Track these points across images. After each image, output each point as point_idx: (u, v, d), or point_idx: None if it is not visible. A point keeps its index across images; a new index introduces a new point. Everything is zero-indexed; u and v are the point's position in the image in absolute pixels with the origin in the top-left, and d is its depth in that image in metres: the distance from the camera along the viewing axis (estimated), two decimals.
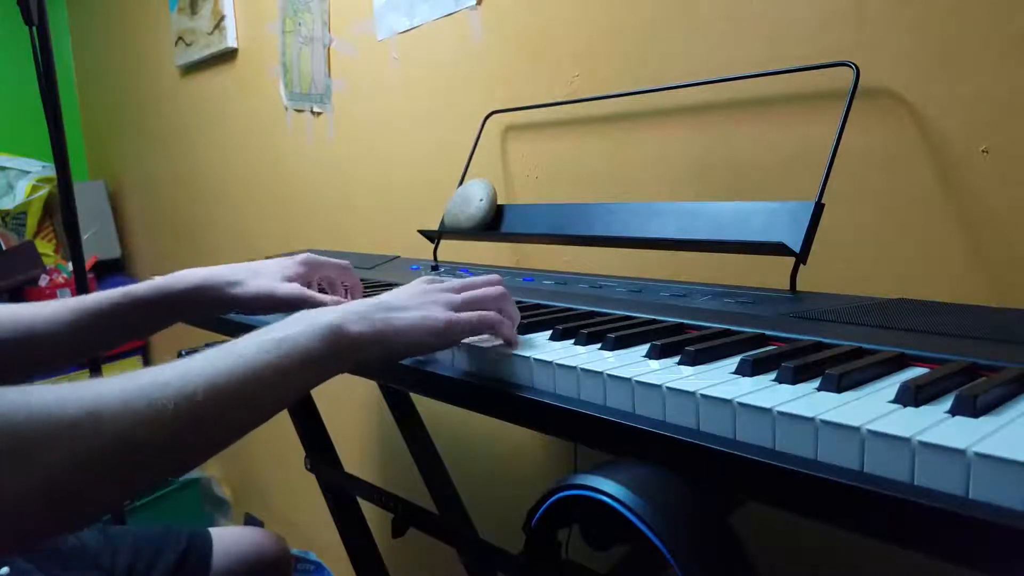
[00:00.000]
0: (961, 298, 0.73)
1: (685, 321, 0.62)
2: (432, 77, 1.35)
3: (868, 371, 0.45)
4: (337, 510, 1.13)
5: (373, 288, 0.88)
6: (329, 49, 1.56)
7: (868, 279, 0.82)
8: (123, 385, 0.41)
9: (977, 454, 0.32)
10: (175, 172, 2.28)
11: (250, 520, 2.14)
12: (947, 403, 0.39)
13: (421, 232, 1.13)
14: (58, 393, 0.39)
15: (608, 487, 0.44)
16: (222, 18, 1.86)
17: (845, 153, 0.75)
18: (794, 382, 0.44)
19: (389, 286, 0.90)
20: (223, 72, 1.95)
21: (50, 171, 2.37)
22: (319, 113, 1.64)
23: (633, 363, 0.50)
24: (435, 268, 1.06)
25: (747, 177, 0.92)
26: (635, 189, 1.04)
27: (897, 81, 0.78)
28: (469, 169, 1.13)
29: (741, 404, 0.41)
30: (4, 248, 2.21)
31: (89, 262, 2.23)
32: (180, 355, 0.87)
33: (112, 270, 2.58)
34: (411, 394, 1.23)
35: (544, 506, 0.49)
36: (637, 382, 0.46)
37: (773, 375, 0.45)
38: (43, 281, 2.21)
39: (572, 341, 0.58)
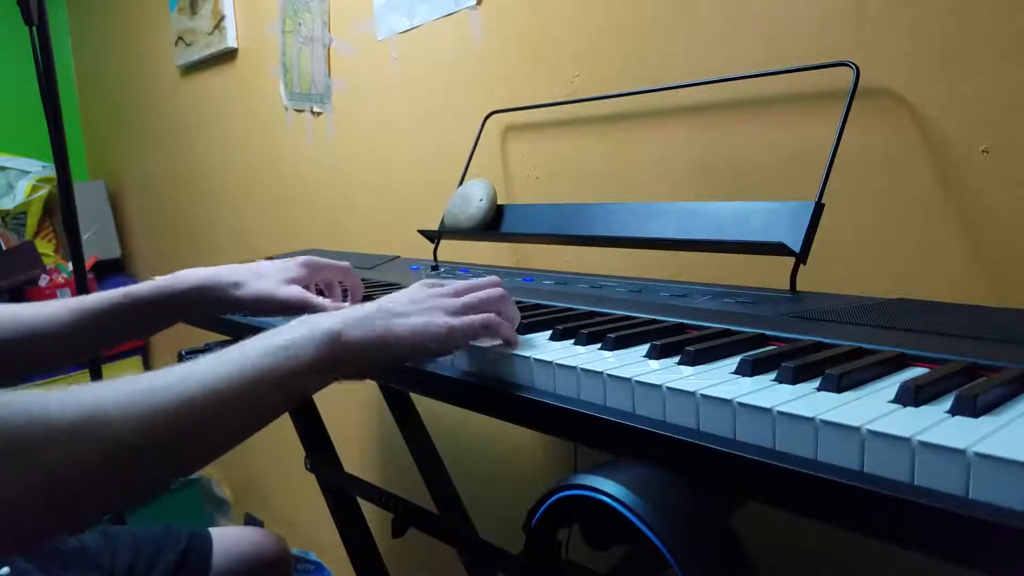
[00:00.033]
0: (961, 298, 0.73)
1: (685, 321, 0.62)
2: (432, 77, 1.35)
3: (868, 371, 0.45)
4: (337, 510, 1.13)
5: (374, 288, 0.88)
6: (329, 49, 1.56)
7: (868, 279, 0.82)
8: (123, 389, 0.41)
9: (977, 454, 0.32)
10: (175, 172, 2.28)
11: (250, 520, 2.14)
12: (947, 403, 0.39)
13: (421, 232, 1.13)
14: (59, 397, 0.39)
15: (608, 487, 0.44)
16: (222, 18, 1.86)
17: (845, 153, 0.75)
18: (794, 382, 0.44)
19: (389, 286, 0.90)
20: (223, 72, 1.95)
21: (50, 171, 2.37)
22: (319, 113, 1.64)
23: (633, 363, 0.50)
24: (435, 268, 1.06)
25: (747, 177, 0.92)
26: (635, 189, 1.04)
27: (897, 81, 0.78)
28: (469, 169, 1.13)
29: (741, 404, 0.41)
30: (4, 248, 2.21)
31: (89, 262, 2.23)
32: (180, 355, 0.88)
33: (112, 270, 2.58)
34: (411, 394, 1.23)
35: (544, 506, 0.49)
36: (637, 382, 0.46)
37: (773, 375, 0.45)
38: (43, 281, 2.21)
39: (572, 341, 0.58)
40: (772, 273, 0.78)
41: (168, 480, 0.43)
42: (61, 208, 1.47)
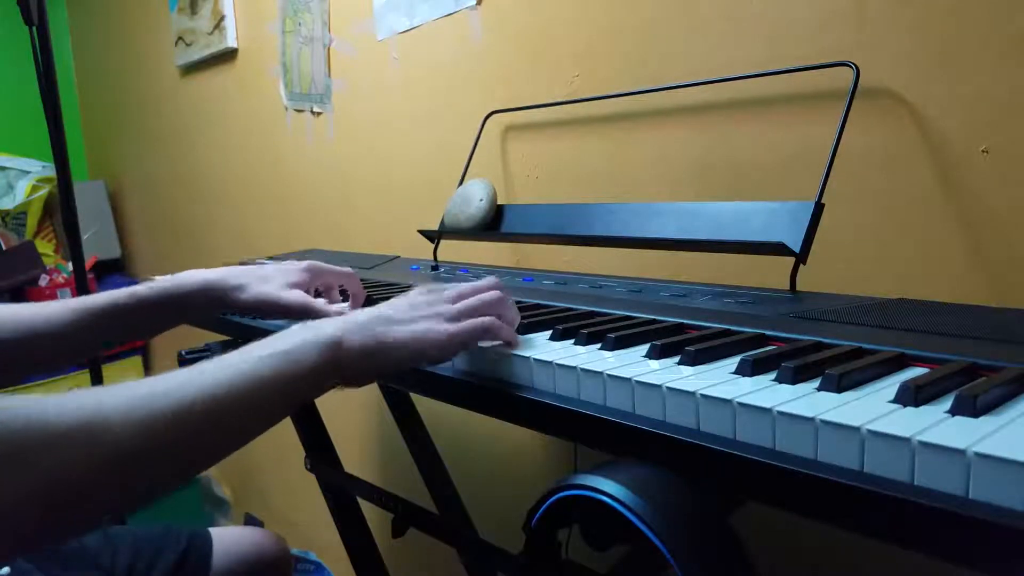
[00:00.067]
0: (961, 298, 0.73)
1: (685, 321, 0.62)
2: (432, 77, 1.35)
3: (868, 371, 0.45)
4: (337, 510, 1.13)
5: (374, 288, 0.88)
6: (329, 49, 1.56)
7: (868, 279, 0.82)
8: (123, 394, 0.41)
9: (977, 454, 0.32)
10: (175, 172, 2.28)
11: (250, 520, 2.14)
12: (947, 403, 0.39)
13: (421, 232, 1.13)
14: (58, 401, 0.39)
15: (608, 487, 0.44)
16: (222, 18, 1.86)
17: (845, 153, 0.75)
18: (794, 382, 0.44)
19: (390, 286, 0.90)
20: (223, 72, 1.95)
21: (50, 171, 2.37)
22: (319, 113, 1.64)
23: (633, 363, 0.50)
24: (435, 268, 1.06)
25: (747, 177, 0.92)
26: (635, 189, 1.04)
27: (897, 81, 0.78)
28: (469, 169, 1.13)
29: (741, 404, 0.41)
30: (4, 248, 2.21)
31: (89, 262, 2.23)
32: (180, 356, 0.88)
33: (112, 270, 2.58)
34: (411, 394, 1.23)
35: (544, 506, 0.49)
36: (637, 382, 0.46)
37: (773, 375, 0.45)
38: (43, 281, 2.21)
39: (572, 341, 0.58)
40: (772, 273, 0.78)
41: (169, 485, 0.43)
42: (61, 208, 1.47)
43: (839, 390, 0.42)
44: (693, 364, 0.49)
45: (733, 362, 0.48)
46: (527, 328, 0.62)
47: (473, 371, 0.58)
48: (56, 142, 1.40)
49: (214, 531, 0.96)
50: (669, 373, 0.47)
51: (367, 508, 1.10)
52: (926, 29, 0.75)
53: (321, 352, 0.49)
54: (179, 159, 2.24)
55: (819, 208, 0.72)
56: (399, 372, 0.59)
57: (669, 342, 0.53)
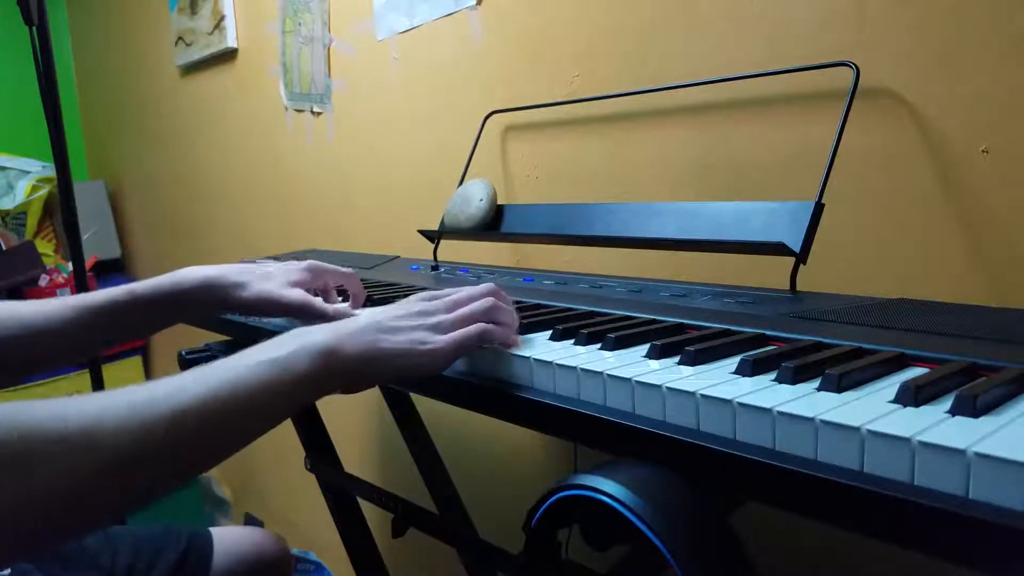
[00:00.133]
0: (961, 298, 0.73)
1: (685, 321, 0.62)
2: (432, 77, 1.35)
3: (868, 371, 0.45)
4: (337, 510, 1.13)
5: (374, 288, 0.88)
6: (329, 49, 1.56)
7: (868, 279, 0.82)
8: (122, 400, 0.41)
9: (977, 454, 0.32)
10: (175, 172, 2.28)
11: (250, 520, 2.14)
12: (947, 403, 0.39)
13: (421, 232, 1.13)
14: (61, 407, 0.39)
15: (608, 487, 0.44)
16: (222, 18, 1.86)
17: (845, 153, 0.75)
18: (794, 382, 0.44)
19: (390, 287, 0.90)
20: (223, 72, 1.95)
21: (50, 171, 2.37)
22: (319, 113, 1.64)
23: (633, 363, 0.50)
24: (435, 268, 1.06)
25: (747, 177, 0.92)
26: (635, 189, 1.04)
27: (897, 81, 0.78)
28: (469, 169, 1.13)
29: (741, 404, 0.41)
30: (4, 248, 2.21)
31: (89, 262, 2.23)
32: (180, 356, 0.88)
33: (112, 270, 2.58)
34: (411, 394, 1.22)
35: (544, 506, 0.49)
36: (637, 382, 0.46)
37: (773, 375, 0.45)
38: (43, 281, 2.21)
39: (572, 341, 0.58)
40: (772, 273, 0.78)
41: (169, 487, 0.43)
42: (61, 208, 1.47)
43: (839, 390, 0.42)
44: (693, 364, 0.49)
45: (733, 362, 0.48)
46: (527, 328, 0.62)
47: (473, 371, 0.58)
48: (56, 142, 1.40)
49: (214, 531, 0.96)
50: (669, 373, 0.47)
51: (367, 508, 1.10)
52: (926, 29, 0.75)
53: (313, 360, 0.49)
54: (179, 159, 2.24)
55: (819, 208, 0.72)
56: (395, 379, 0.59)
57: (669, 342, 0.53)
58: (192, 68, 2.08)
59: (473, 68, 1.26)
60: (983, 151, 0.73)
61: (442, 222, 1.10)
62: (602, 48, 1.06)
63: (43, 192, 2.37)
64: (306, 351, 0.49)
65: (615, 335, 0.55)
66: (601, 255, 1.07)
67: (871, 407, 0.39)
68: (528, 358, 0.53)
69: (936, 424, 0.36)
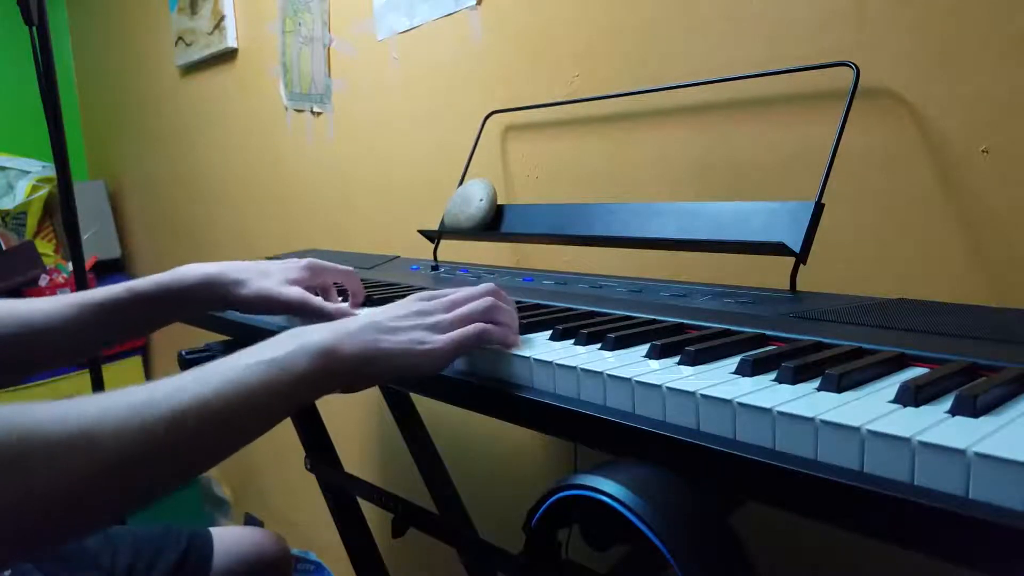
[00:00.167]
0: (961, 298, 0.73)
1: (685, 321, 0.62)
2: (432, 77, 1.35)
3: (868, 371, 0.45)
4: (337, 510, 1.13)
5: (374, 288, 0.88)
6: (329, 49, 1.56)
7: (868, 279, 0.82)
8: (121, 401, 0.41)
9: (977, 454, 0.32)
10: (175, 172, 2.28)
11: (250, 520, 2.14)
12: (947, 403, 0.39)
13: (421, 232, 1.13)
14: (62, 409, 0.39)
15: (608, 487, 0.44)
16: (222, 18, 1.86)
17: (845, 153, 0.75)
18: (794, 382, 0.44)
19: (389, 287, 0.90)
20: (223, 72, 1.95)
21: (50, 171, 2.37)
22: (319, 113, 1.64)
23: (633, 363, 0.50)
24: (435, 268, 1.06)
25: (747, 177, 0.92)
26: (635, 189, 1.04)
27: (897, 81, 0.78)
28: (469, 169, 1.13)
29: (741, 404, 0.41)
30: (4, 248, 2.21)
31: (89, 262, 2.23)
32: (181, 356, 0.88)
33: (112, 270, 2.58)
34: (411, 394, 1.22)
35: (544, 506, 0.49)
36: (637, 382, 0.46)
37: (773, 375, 0.45)
38: (43, 281, 2.21)
39: (572, 341, 0.58)
40: (772, 273, 0.78)
41: (169, 487, 0.43)
42: (61, 208, 1.47)
43: (839, 390, 0.42)
44: (693, 364, 0.49)
45: (733, 362, 0.48)
46: (527, 328, 0.62)
47: (473, 371, 0.58)
48: (56, 142, 1.40)
49: (214, 531, 0.96)
50: (669, 373, 0.47)
51: (367, 508, 1.10)
52: (926, 29, 0.75)
53: (311, 360, 0.49)
54: (179, 159, 2.24)
55: (819, 208, 0.72)
56: (394, 379, 0.59)
57: (669, 342, 0.53)
58: (192, 68, 2.08)
59: (473, 68, 1.26)
60: (983, 151, 0.73)
61: (442, 222, 1.10)
62: (602, 48, 1.06)
63: (43, 192, 2.37)
64: (305, 351, 0.49)
65: (615, 335, 0.55)
66: (601, 255, 1.07)
67: (871, 407, 0.39)
68: (528, 358, 0.53)
69: (936, 424, 0.36)
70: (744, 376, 0.46)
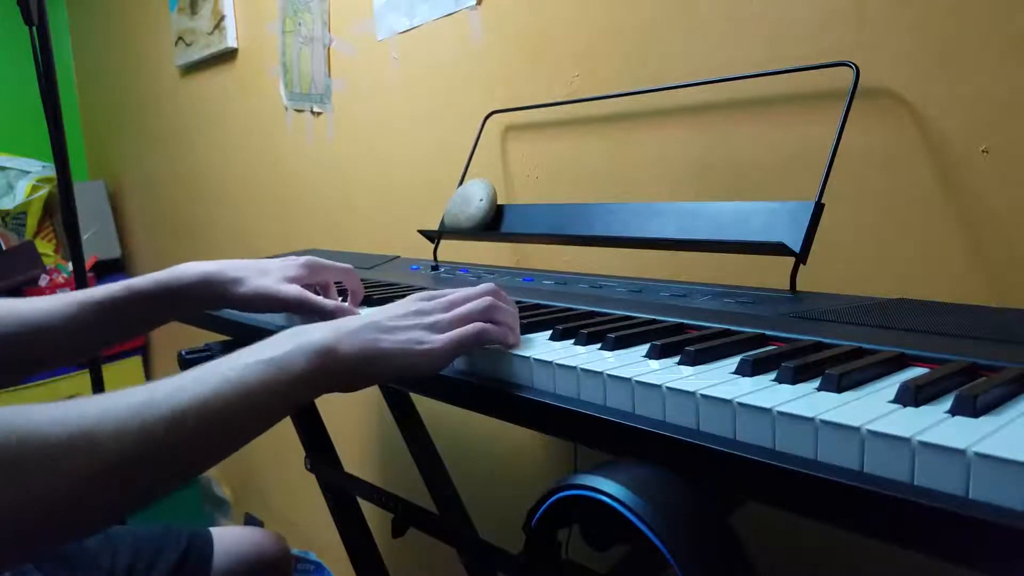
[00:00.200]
0: (961, 298, 0.73)
1: (685, 321, 0.62)
2: (432, 77, 1.35)
3: (868, 371, 0.45)
4: (337, 510, 1.13)
5: (374, 288, 0.88)
6: (329, 49, 1.56)
7: (868, 279, 0.82)
8: (121, 402, 0.41)
9: (977, 454, 0.32)
10: (175, 172, 2.28)
11: (250, 520, 2.14)
12: (947, 403, 0.39)
13: (421, 232, 1.13)
14: (61, 411, 0.39)
15: (608, 487, 0.44)
16: (222, 18, 1.86)
17: (845, 153, 0.75)
18: (794, 382, 0.44)
19: (389, 287, 0.90)
20: (223, 72, 1.95)
21: (50, 171, 2.37)
22: (319, 113, 1.64)
23: (633, 363, 0.50)
24: (435, 268, 1.06)
25: (747, 177, 0.92)
26: (635, 189, 1.04)
27: (897, 81, 0.78)
28: (469, 169, 1.13)
29: (741, 404, 0.41)
30: (4, 248, 2.21)
31: (89, 262, 2.23)
32: (180, 356, 0.88)
33: (112, 270, 2.58)
34: (411, 394, 1.22)
35: (544, 506, 0.49)
36: (637, 382, 0.46)
37: (773, 375, 0.45)
38: (43, 281, 2.21)
39: (572, 341, 0.58)
40: (772, 273, 0.78)
41: (169, 487, 0.44)
42: (61, 208, 1.47)
43: (839, 390, 0.42)
44: (693, 364, 0.49)
45: (733, 362, 0.48)
46: (527, 328, 0.62)
47: (473, 371, 0.58)
48: (56, 142, 1.40)
49: (214, 531, 0.96)
50: (669, 373, 0.47)
51: (367, 508, 1.10)
52: (926, 29, 0.75)
53: (310, 359, 0.49)
54: (179, 159, 2.24)
55: (819, 208, 0.72)
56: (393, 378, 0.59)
57: (669, 342, 0.53)
58: (192, 68, 2.08)
59: (473, 68, 1.26)
60: (983, 151, 0.73)
61: (442, 222, 1.10)
62: (602, 48, 1.06)
63: (43, 192, 2.37)
64: (303, 350, 0.49)
65: (615, 335, 0.55)
66: (601, 255, 1.07)
67: (871, 407, 0.39)
68: (528, 358, 0.53)
69: (936, 424, 0.36)
70: (744, 376, 0.46)
